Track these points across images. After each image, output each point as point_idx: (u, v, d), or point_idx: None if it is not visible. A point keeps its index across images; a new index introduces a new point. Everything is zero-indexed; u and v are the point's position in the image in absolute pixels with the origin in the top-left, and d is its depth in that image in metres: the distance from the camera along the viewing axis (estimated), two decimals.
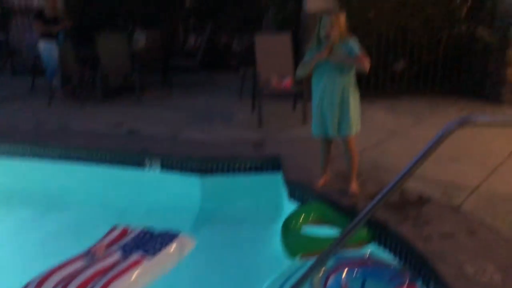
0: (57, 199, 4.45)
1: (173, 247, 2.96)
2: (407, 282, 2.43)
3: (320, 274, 2.46)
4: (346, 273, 2.48)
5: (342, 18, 3.21)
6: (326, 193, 3.39)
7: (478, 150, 4.28)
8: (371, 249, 2.90)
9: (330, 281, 2.42)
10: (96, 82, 6.57)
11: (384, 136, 4.75)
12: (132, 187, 4.45)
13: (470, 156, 4.15)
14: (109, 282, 2.54)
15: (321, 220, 3.21)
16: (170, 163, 4.27)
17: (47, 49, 6.22)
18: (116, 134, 4.96)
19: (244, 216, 4.07)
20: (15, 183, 4.58)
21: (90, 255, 2.86)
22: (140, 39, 7.22)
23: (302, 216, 3.22)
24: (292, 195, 3.66)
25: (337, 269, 2.51)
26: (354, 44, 3.19)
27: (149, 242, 2.96)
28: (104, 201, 4.36)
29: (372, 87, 6.41)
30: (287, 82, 5.40)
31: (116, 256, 2.82)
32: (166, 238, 3.01)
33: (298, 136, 4.78)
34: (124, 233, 3.15)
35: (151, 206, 4.24)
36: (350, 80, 3.28)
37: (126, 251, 2.88)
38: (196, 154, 4.22)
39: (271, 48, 5.62)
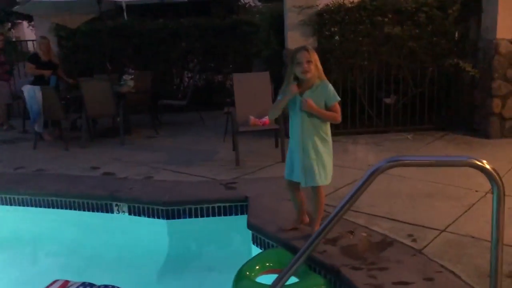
0: (25, 245, 4.38)
1: None
2: None
3: None
4: None
5: (316, 56, 3.00)
6: (288, 239, 3.22)
7: (457, 187, 4.10)
8: None
9: None
10: (81, 125, 6.60)
11: (362, 174, 4.57)
12: (100, 232, 4.36)
13: (448, 194, 3.97)
14: None
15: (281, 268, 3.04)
16: (137, 208, 4.17)
17: (30, 93, 6.28)
18: (89, 178, 4.89)
19: (211, 261, 3.93)
20: None
21: None
22: (128, 81, 7.25)
23: (259, 264, 3.04)
24: (255, 240, 3.50)
25: None
26: (332, 90, 3.00)
27: None
28: (72, 247, 4.27)
29: (357, 122, 6.30)
30: (266, 120, 5.32)
31: None
32: None
33: (274, 176, 4.65)
34: (63, 287, 3.01)
35: (120, 250, 4.14)
36: (324, 126, 3.05)
37: None
38: (164, 198, 4.11)
39: (249, 86, 5.58)
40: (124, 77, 7.40)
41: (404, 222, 3.38)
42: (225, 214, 4.03)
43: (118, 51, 8.67)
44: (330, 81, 3.08)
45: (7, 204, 4.62)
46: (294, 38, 6.08)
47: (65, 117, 6.50)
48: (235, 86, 5.59)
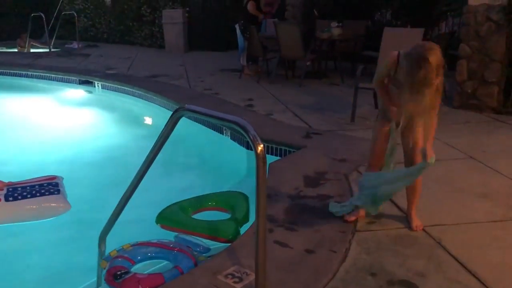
0: None
1: (45, 201, 3.39)
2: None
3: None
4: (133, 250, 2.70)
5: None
6: None
7: None
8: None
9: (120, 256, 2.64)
10: (273, 65, 7.51)
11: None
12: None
13: None
14: None
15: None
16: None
17: (239, 31, 7.49)
18: (234, 106, 5.77)
19: None
20: None
21: None
22: (334, 28, 7.55)
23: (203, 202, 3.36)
24: None
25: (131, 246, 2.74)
26: None
27: (34, 190, 3.47)
28: None
29: None
30: None
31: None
32: (45, 191, 3.45)
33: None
34: (47, 179, 3.72)
35: None
36: None
37: (13, 190, 3.45)
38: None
39: (398, 42, 5.18)
40: (332, 24, 7.76)
41: None
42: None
43: None
44: None
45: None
46: None
47: (263, 55, 7.49)
48: (383, 40, 5.31)
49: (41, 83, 8.21)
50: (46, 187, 3.52)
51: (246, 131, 1.86)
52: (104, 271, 2.53)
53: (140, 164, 2.39)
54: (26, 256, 3.23)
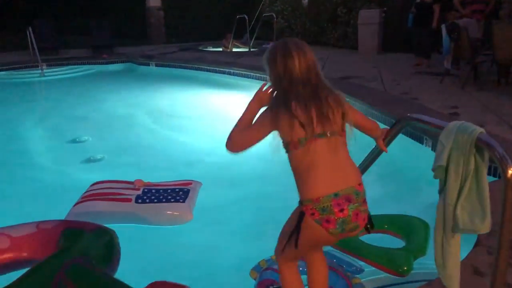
0: None
1: (168, 208, 3.23)
2: None
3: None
4: None
5: None
6: None
7: None
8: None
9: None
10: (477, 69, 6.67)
11: None
12: None
13: None
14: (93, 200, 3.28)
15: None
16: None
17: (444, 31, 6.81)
18: (436, 114, 5.19)
19: None
20: None
21: (133, 183, 3.54)
22: None
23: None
24: None
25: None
26: None
27: (163, 195, 3.33)
28: None
29: None
30: None
31: (135, 192, 3.40)
32: (171, 198, 3.30)
33: None
34: (184, 184, 3.57)
35: None
36: None
37: (147, 192, 3.40)
38: None
39: None
40: None
41: None
42: None
43: None
44: None
45: None
46: None
47: (472, 58, 6.67)
48: None
49: (241, 81, 8.75)
50: (176, 193, 3.40)
51: (491, 148, 1.52)
52: (255, 283, 2.41)
53: None
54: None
